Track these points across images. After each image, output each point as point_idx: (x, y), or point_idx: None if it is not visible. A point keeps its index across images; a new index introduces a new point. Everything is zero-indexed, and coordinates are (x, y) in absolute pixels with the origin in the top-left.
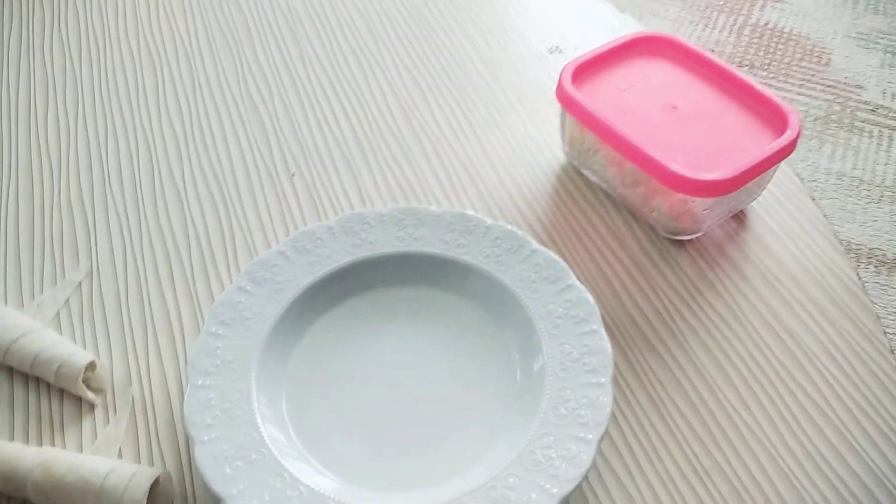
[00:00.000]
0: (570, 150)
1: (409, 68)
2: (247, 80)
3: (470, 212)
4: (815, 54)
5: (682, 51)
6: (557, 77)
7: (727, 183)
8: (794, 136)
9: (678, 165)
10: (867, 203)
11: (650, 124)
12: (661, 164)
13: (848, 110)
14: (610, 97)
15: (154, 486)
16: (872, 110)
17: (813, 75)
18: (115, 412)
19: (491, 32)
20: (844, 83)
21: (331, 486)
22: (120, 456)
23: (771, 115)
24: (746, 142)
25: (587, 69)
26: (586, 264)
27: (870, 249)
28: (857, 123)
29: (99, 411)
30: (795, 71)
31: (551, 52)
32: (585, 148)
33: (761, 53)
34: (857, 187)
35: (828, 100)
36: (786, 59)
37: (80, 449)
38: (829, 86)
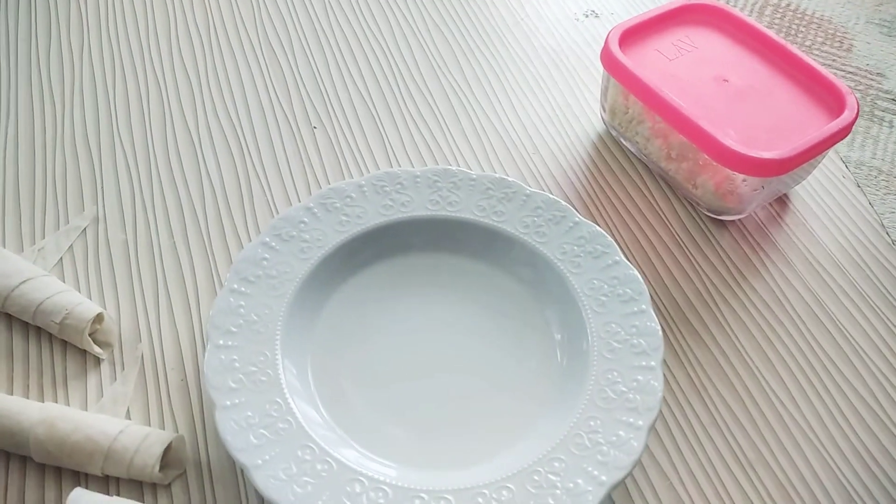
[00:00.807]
0: (612, 118)
1: (438, 24)
2: (265, 23)
3: (509, 177)
4: (837, 39)
5: (734, 21)
6: (594, 41)
7: (783, 163)
8: (852, 118)
9: (731, 140)
10: (885, 194)
11: (700, 97)
12: (715, 138)
13: (868, 98)
14: (657, 65)
15: (167, 451)
16: (893, 100)
17: (834, 60)
18: (124, 369)
19: None
20: (866, 70)
21: (362, 461)
22: (128, 416)
23: (826, 95)
24: (801, 121)
25: (633, 34)
26: (623, 239)
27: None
28: (877, 112)
29: (105, 367)
30: (817, 55)
31: (587, 16)
32: (629, 118)
33: (782, 34)
34: (876, 177)
35: (849, 86)
36: (807, 42)
37: (85, 407)
38: (850, 72)
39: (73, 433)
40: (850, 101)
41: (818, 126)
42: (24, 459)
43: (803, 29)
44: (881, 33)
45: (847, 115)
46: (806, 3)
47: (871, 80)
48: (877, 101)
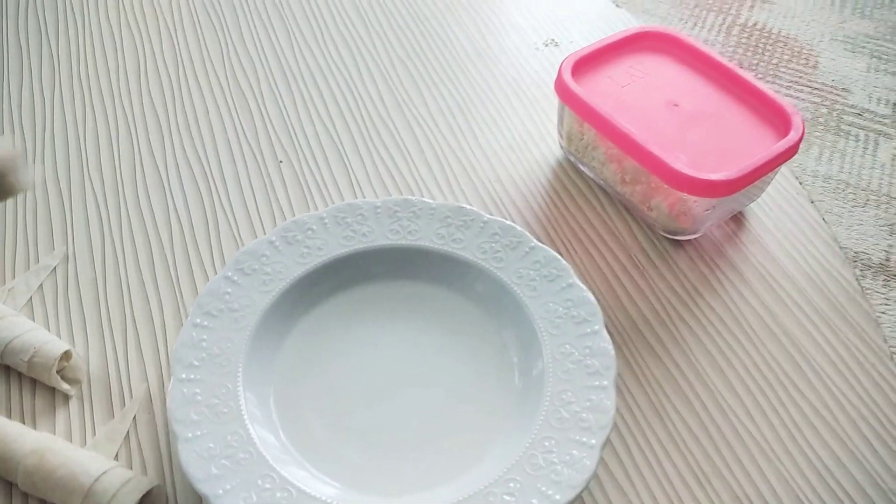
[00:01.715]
0: (568, 145)
1: (402, 58)
2: (232, 62)
3: (467, 205)
4: (803, 56)
5: (685, 48)
6: (553, 70)
7: (731, 184)
8: (798, 137)
9: (680, 164)
10: (853, 206)
11: (652, 121)
12: (664, 162)
13: (835, 113)
14: (610, 92)
15: (146, 498)
16: (859, 114)
17: (801, 77)
18: (124, 405)
19: (486, 23)
20: (832, 86)
21: (321, 488)
22: (118, 457)
23: (774, 116)
24: (749, 142)
25: (587, 63)
26: (583, 262)
27: (855, 253)
28: (843, 126)
29: (74, 404)
30: (784, 72)
31: (547, 45)
32: (584, 144)
33: (749, 53)
34: (844, 190)
35: (815, 102)
36: (774, 60)
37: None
38: (816, 88)
39: (59, 468)
40: (796, 121)
41: (765, 146)
42: (10, 486)
43: (770, 47)
44: (845, 50)
45: (793, 136)
46: (772, 22)
47: (837, 95)
48: (843, 116)
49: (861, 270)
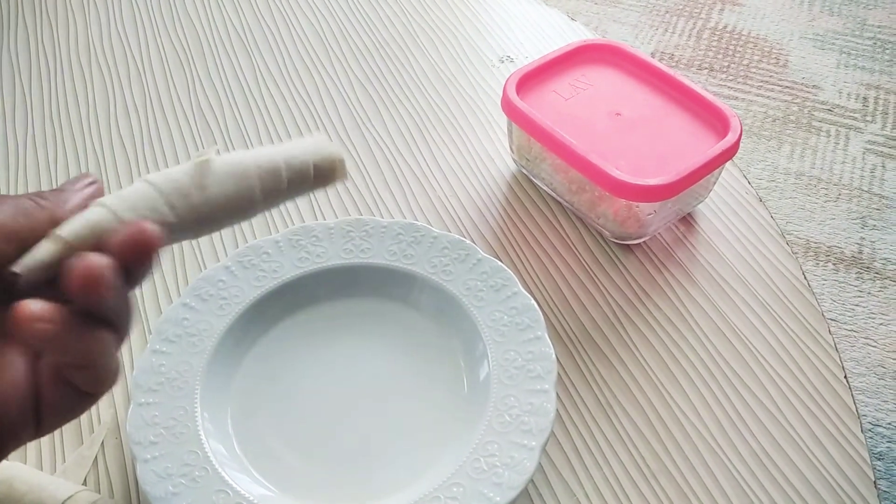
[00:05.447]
0: (519, 158)
1: (363, 81)
2: (198, 95)
3: (418, 222)
4: (773, 56)
5: (627, 58)
6: None
7: (668, 187)
8: (736, 138)
9: (621, 171)
10: (825, 201)
11: (594, 131)
12: (603, 171)
13: (806, 110)
14: (555, 105)
15: None
16: (829, 110)
17: (771, 76)
18: (93, 431)
19: (443, 44)
20: (802, 84)
21: (275, 500)
22: (86, 482)
23: (713, 119)
24: (689, 146)
25: (532, 78)
26: (536, 271)
27: (828, 248)
28: (814, 123)
29: None
30: (754, 73)
31: (503, 62)
32: (533, 156)
33: (720, 56)
34: (816, 186)
35: (786, 100)
36: (744, 62)
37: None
38: (786, 87)
39: (27, 494)
40: (734, 123)
41: (704, 149)
42: None
43: (740, 49)
44: (814, 47)
45: (731, 137)
46: (742, 23)
47: (808, 92)
48: (814, 113)
49: (834, 264)
